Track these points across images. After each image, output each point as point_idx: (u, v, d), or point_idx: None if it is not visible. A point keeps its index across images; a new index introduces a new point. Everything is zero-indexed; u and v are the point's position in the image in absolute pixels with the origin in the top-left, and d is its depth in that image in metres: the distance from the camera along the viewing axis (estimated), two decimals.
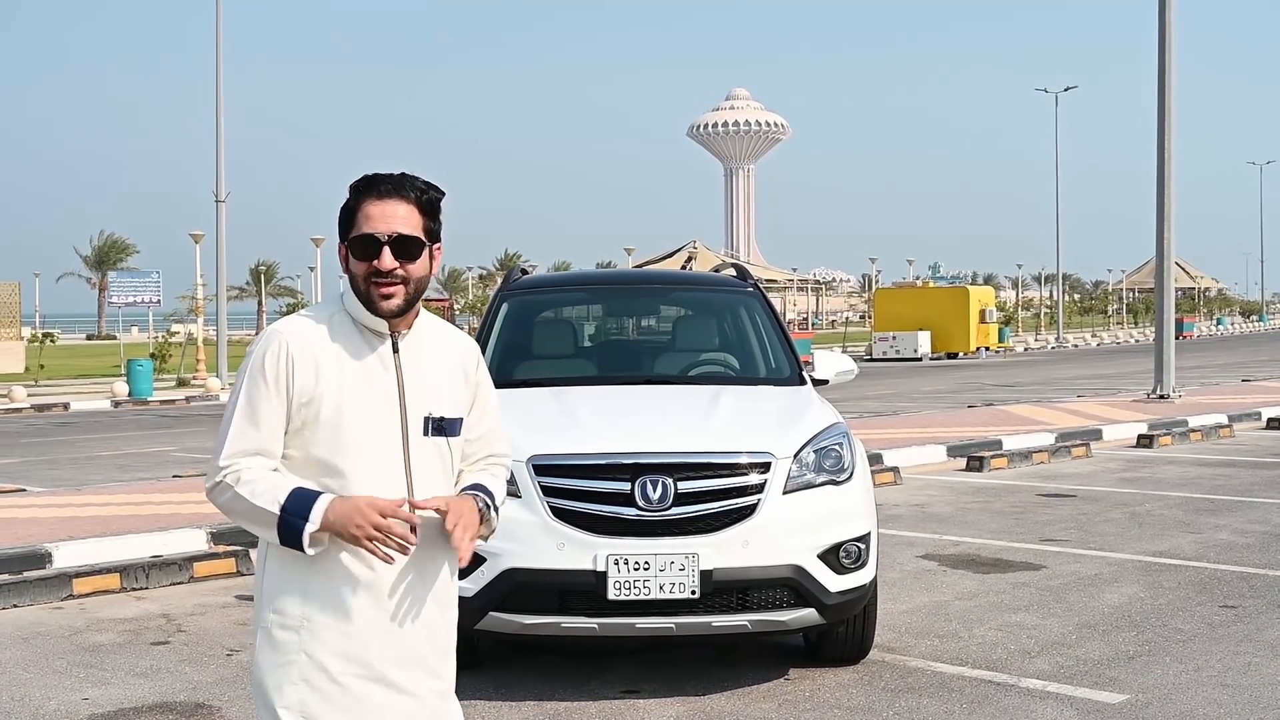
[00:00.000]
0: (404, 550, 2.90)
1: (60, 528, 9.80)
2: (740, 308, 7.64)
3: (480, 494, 3.09)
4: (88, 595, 8.20)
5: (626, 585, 5.64)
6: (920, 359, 48.50)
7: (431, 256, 3.04)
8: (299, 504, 2.88)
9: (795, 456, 5.98)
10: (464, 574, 5.72)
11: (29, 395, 29.58)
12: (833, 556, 5.93)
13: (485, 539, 3.10)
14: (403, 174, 3.04)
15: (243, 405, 2.97)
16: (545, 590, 5.76)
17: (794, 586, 5.83)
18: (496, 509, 3.14)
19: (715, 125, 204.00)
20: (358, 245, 2.98)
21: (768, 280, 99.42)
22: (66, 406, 28.19)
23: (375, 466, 2.98)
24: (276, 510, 2.88)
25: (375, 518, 2.86)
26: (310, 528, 2.87)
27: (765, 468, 5.87)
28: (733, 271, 8.18)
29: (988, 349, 52.33)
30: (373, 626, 2.98)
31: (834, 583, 5.91)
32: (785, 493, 5.89)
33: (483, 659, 6.52)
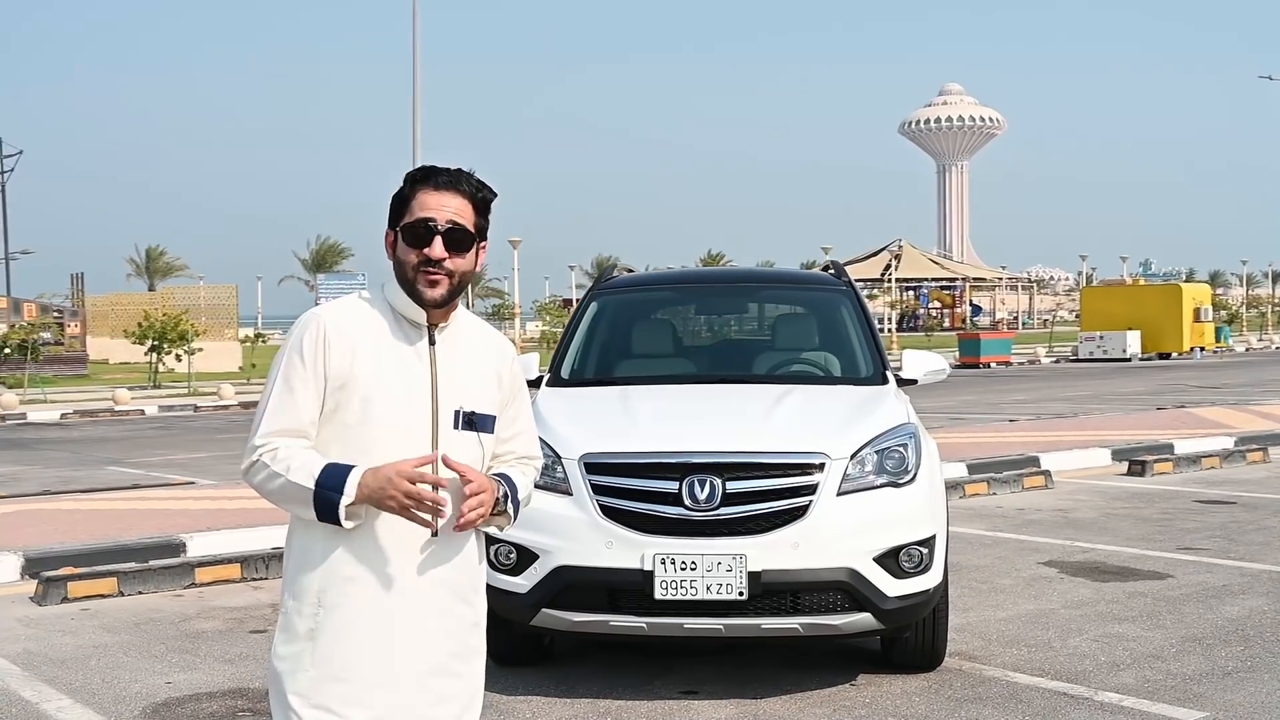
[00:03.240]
0: (438, 513, 2.89)
1: (204, 519, 10.26)
2: (830, 306, 7.51)
3: (503, 483, 3.08)
4: (209, 584, 8.56)
5: (673, 585, 5.60)
6: (1129, 359, 46.69)
7: (478, 254, 3.06)
8: (333, 478, 2.87)
9: (853, 457, 5.85)
10: (518, 570, 5.87)
11: (237, 393, 31.02)
12: (891, 560, 5.78)
13: (501, 529, 3.11)
14: (459, 169, 3.05)
15: (280, 387, 2.98)
16: (594, 588, 5.76)
17: (848, 590, 5.70)
18: (517, 504, 3.11)
19: (928, 121, 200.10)
20: (410, 231, 2.98)
21: (975, 279, 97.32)
22: None
23: (403, 454, 2.94)
24: (311, 485, 2.87)
25: (405, 485, 2.84)
26: (345, 500, 2.85)
27: (818, 468, 5.76)
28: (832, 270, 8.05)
29: (1203, 349, 50.05)
30: (390, 616, 2.97)
31: (892, 587, 5.76)
32: (840, 494, 5.76)
33: (559, 656, 6.58)
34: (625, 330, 7.55)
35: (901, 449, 5.99)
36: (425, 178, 3.02)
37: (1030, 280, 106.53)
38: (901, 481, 5.92)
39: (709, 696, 5.96)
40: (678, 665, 6.44)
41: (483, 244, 3.07)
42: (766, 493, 5.70)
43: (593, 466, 5.83)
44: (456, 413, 3.04)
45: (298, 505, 2.92)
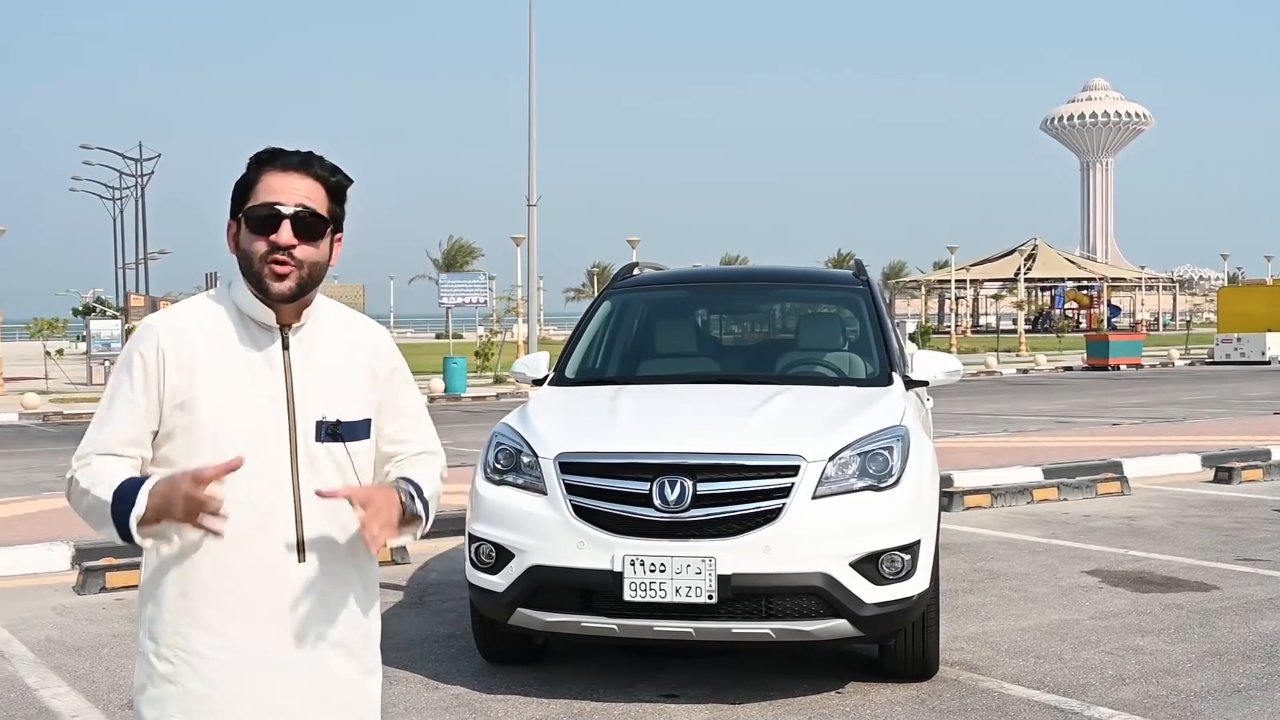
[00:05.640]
0: (215, 514, 2.51)
1: None
2: (843, 305, 7.36)
3: (408, 485, 2.78)
4: None
5: (642, 587, 5.53)
6: (1269, 362, 44.99)
7: (333, 245, 2.75)
8: (130, 490, 2.57)
9: (832, 459, 5.72)
10: (496, 569, 5.86)
11: None
12: (870, 565, 5.63)
13: (416, 537, 2.82)
14: (309, 152, 2.75)
15: (105, 404, 2.73)
16: (567, 588, 5.72)
17: (822, 595, 5.56)
18: (426, 503, 2.80)
19: (1072, 118, 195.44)
20: (255, 217, 2.68)
21: (1114, 279, 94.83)
22: None
23: (258, 475, 2.66)
24: (109, 498, 2.58)
25: (189, 488, 2.50)
26: (136, 512, 2.54)
27: (792, 471, 5.64)
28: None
29: None
30: (257, 659, 2.70)
31: (870, 593, 5.61)
32: (816, 497, 5.64)
33: (550, 657, 6.55)
34: (633, 329, 7.48)
35: (886, 452, 5.83)
36: (271, 159, 2.72)
37: (1172, 280, 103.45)
38: (884, 485, 5.76)
39: (688, 701, 5.87)
40: (668, 668, 6.36)
41: (339, 235, 2.77)
42: (738, 495, 5.60)
43: (567, 466, 5.79)
44: (318, 424, 2.73)
45: (105, 524, 2.61)
